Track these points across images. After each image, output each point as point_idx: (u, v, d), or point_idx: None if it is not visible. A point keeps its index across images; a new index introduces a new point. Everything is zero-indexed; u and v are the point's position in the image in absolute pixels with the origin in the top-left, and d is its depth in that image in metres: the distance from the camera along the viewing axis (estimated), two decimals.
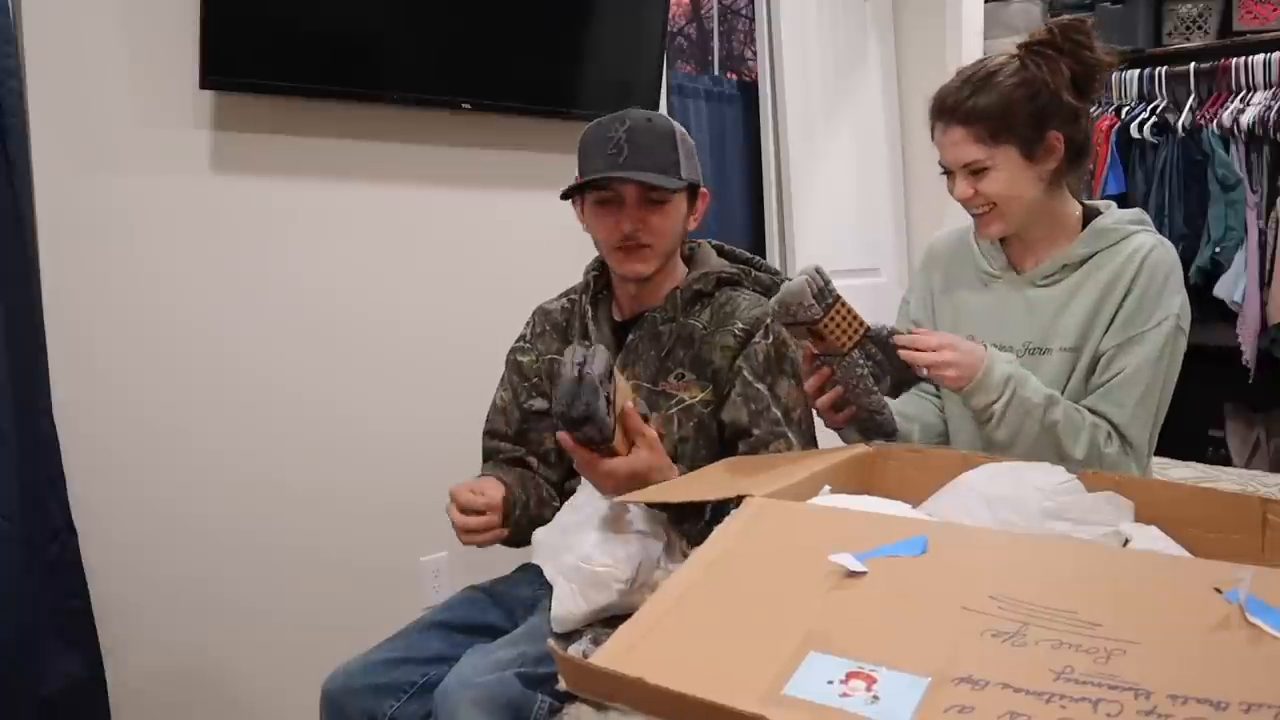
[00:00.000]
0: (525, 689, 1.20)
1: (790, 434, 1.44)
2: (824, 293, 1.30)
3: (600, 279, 1.59)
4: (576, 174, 1.49)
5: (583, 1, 2.50)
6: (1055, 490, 1.10)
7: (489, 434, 1.62)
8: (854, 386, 1.33)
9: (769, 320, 1.48)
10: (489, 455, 1.61)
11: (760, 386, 1.46)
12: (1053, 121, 1.39)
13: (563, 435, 1.25)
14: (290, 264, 2.16)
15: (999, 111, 1.37)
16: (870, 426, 1.36)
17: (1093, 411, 1.38)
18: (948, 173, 1.45)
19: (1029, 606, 0.77)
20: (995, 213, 1.42)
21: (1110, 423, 1.37)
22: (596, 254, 1.59)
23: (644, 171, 1.42)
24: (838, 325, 1.31)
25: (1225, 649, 0.71)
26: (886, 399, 1.35)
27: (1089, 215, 1.48)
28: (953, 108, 1.40)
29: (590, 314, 1.56)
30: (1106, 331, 1.40)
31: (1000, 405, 1.32)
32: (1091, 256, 1.43)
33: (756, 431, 1.44)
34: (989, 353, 1.34)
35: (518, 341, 1.65)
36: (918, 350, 1.32)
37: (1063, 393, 1.41)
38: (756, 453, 1.43)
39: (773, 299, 1.35)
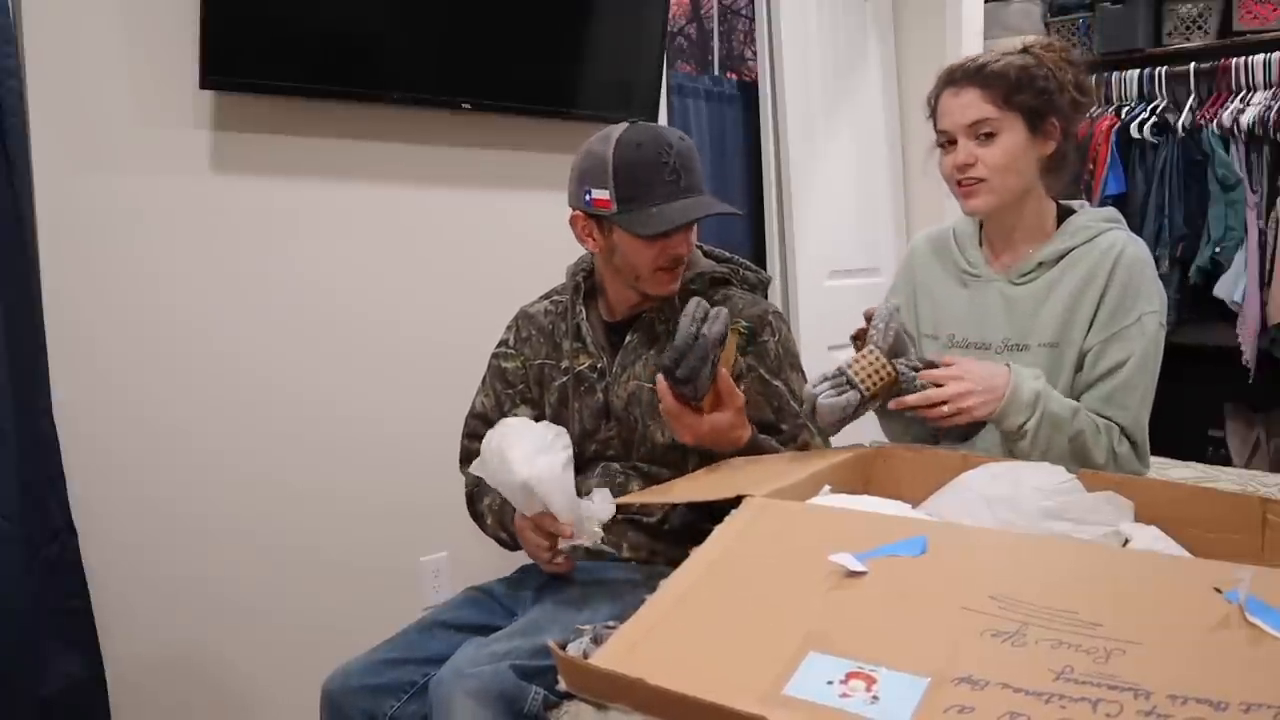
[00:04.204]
0: (520, 681, 1.21)
1: (810, 425, 1.47)
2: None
3: (590, 279, 1.58)
4: (606, 195, 1.41)
5: (583, 1, 2.49)
6: (1055, 490, 1.10)
7: (471, 438, 1.59)
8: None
9: (768, 318, 1.50)
10: (469, 459, 1.56)
11: (778, 383, 1.48)
12: (1054, 109, 1.44)
13: (661, 383, 1.29)
14: (290, 264, 2.16)
15: (1015, 77, 1.42)
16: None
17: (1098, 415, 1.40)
18: (946, 143, 1.46)
19: (1029, 606, 0.77)
20: (986, 186, 1.44)
21: (1117, 425, 1.39)
22: (581, 254, 1.58)
23: (699, 194, 1.43)
24: (863, 370, 1.30)
25: (1225, 649, 0.71)
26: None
27: (1063, 215, 1.52)
28: (967, 72, 1.43)
29: (584, 315, 1.55)
30: (1090, 328, 1.42)
31: (1033, 423, 1.32)
32: (1066, 254, 1.46)
33: (785, 427, 1.47)
34: (1012, 372, 1.33)
35: (500, 346, 1.62)
36: (930, 406, 1.30)
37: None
38: (786, 447, 1.46)
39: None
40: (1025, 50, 1.46)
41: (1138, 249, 1.45)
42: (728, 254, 1.63)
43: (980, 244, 1.56)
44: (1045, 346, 1.44)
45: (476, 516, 1.58)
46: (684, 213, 1.40)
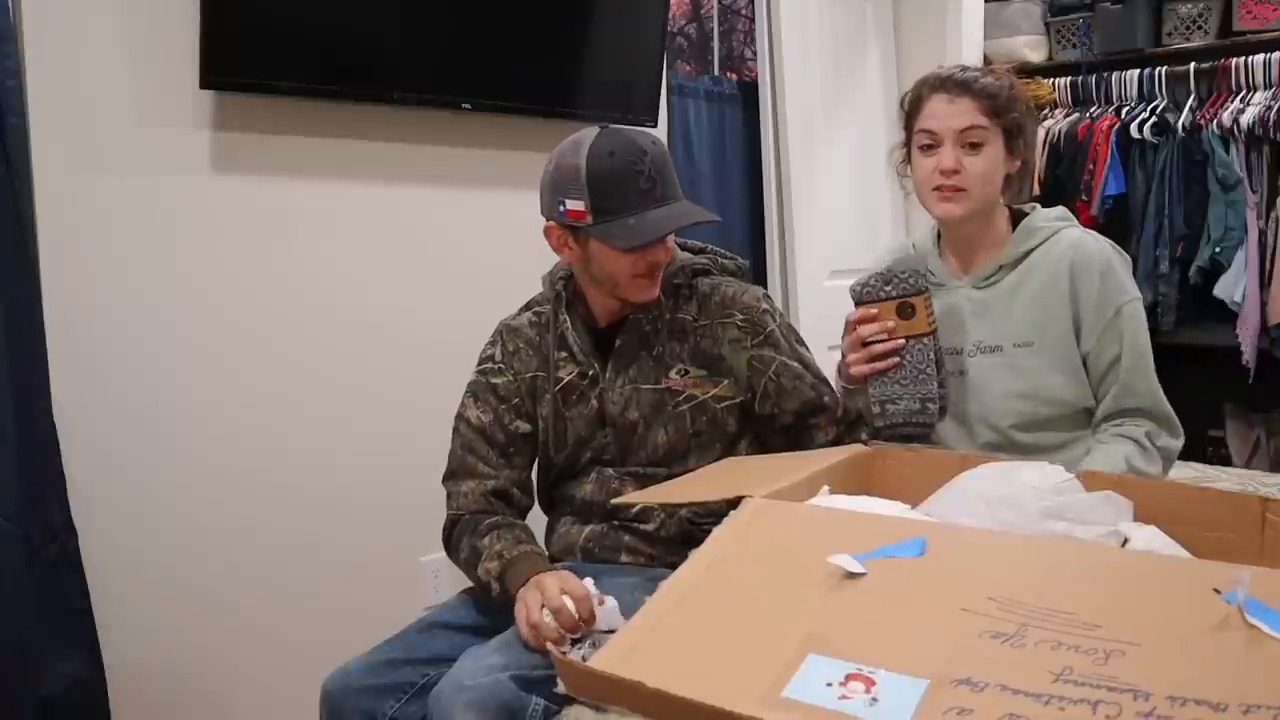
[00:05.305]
0: (520, 692, 1.20)
1: (835, 392, 1.55)
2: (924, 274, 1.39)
3: (570, 286, 1.55)
4: (581, 205, 1.38)
5: (583, 1, 2.49)
6: (1054, 490, 1.10)
7: (466, 450, 1.52)
8: (920, 369, 1.40)
9: (762, 304, 1.52)
10: (464, 473, 1.52)
11: (796, 364, 1.52)
12: (1023, 132, 1.51)
13: None
14: (290, 264, 2.16)
15: (1004, 97, 1.48)
16: (913, 414, 1.42)
17: (1121, 413, 1.47)
18: (927, 146, 1.49)
19: (1028, 608, 0.77)
20: (966, 195, 1.48)
21: (1139, 412, 1.46)
22: (556, 260, 1.57)
23: (675, 201, 1.41)
24: (929, 305, 1.38)
25: (1224, 650, 0.71)
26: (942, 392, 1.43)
27: (1017, 217, 1.57)
28: (963, 82, 1.48)
29: (569, 324, 1.52)
30: (1079, 332, 1.48)
31: None
32: (1025, 255, 1.52)
33: (826, 400, 1.52)
34: None
35: (485, 362, 1.56)
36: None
37: (1031, 386, 1.48)
38: (834, 420, 1.52)
39: (875, 271, 1.41)
40: (992, 72, 1.52)
41: (1095, 242, 1.51)
42: (701, 244, 1.62)
43: (940, 254, 1.61)
44: (1021, 346, 1.49)
45: (453, 549, 1.50)
46: (662, 223, 1.38)
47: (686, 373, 1.49)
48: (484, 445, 1.52)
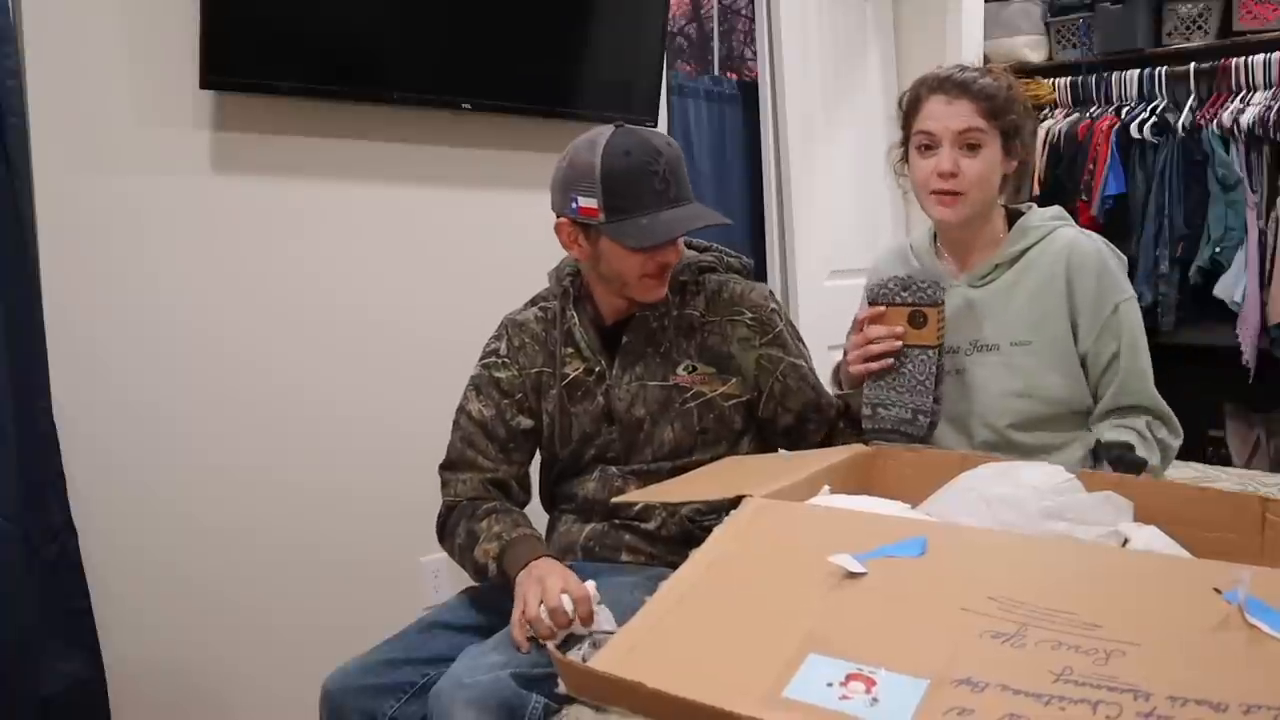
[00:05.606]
0: (520, 689, 1.20)
1: (829, 394, 1.57)
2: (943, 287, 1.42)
3: (577, 283, 1.55)
4: (594, 203, 1.37)
5: (583, 1, 2.49)
6: (1054, 490, 1.10)
7: (466, 443, 1.52)
8: (918, 379, 1.40)
9: (770, 303, 1.54)
10: (463, 465, 1.52)
11: (802, 364, 1.54)
12: (1020, 133, 1.51)
13: None
14: (290, 264, 2.16)
15: (1003, 98, 1.48)
16: (902, 423, 1.42)
17: (1120, 410, 1.48)
18: (925, 146, 1.50)
19: (1028, 607, 0.77)
20: (964, 199, 1.48)
21: (1138, 409, 1.48)
22: (564, 256, 1.57)
23: (688, 202, 1.42)
24: (942, 318, 1.39)
25: (1225, 650, 0.71)
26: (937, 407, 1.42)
27: (1012, 216, 1.58)
28: (961, 83, 1.48)
29: (576, 320, 1.52)
30: (1076, 330, 1.49)
31: None
32: (1022, 254, 1.53)
33: (824, 402, 1.54)
34: None
35: (490, 356, 1.56)
36: None
37: (1028, 385, 1.49)
38: (829, 420, 1.55)
39: (895, 275, 1.43)
40: (990, 72, 1.52)
41: (1090, 241, 1.52)
42: (706, 243, 1.63)
43: (936, 254, 1.62)
44: (1018, 345, 1.50)
45: (448, 534, 1.50)
46: (674, 224, 1.38)
47: (694, 369, 1.49)
48: (484, 439, 1.52)
